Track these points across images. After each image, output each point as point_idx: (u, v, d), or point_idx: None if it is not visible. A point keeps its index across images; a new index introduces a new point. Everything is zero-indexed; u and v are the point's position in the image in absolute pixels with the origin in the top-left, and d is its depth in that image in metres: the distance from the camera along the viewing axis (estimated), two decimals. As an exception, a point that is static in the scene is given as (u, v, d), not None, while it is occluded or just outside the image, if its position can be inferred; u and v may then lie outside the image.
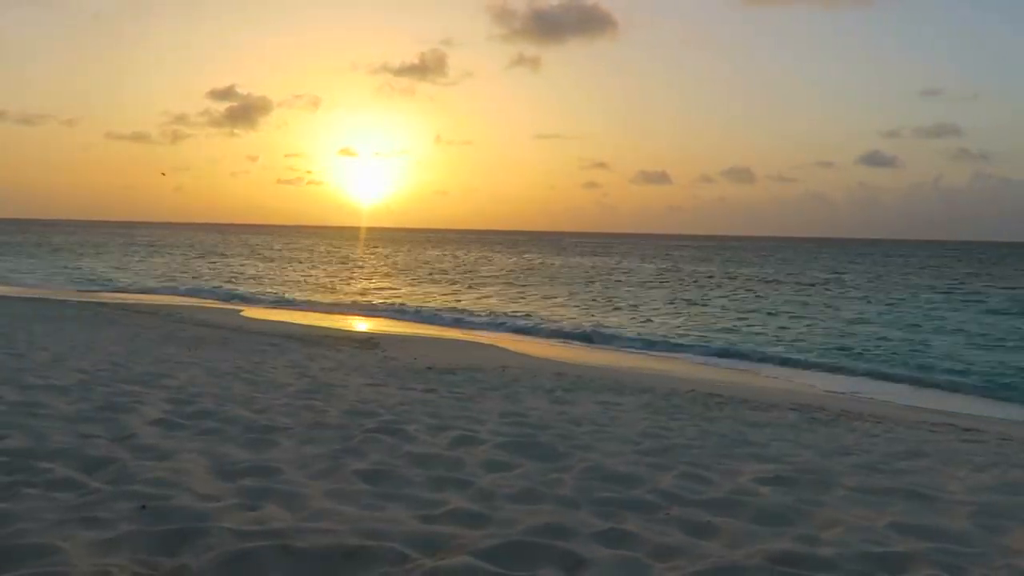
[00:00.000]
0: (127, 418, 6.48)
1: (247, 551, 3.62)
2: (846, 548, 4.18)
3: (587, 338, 23.41)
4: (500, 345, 20.60)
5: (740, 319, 28.68)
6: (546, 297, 37.00)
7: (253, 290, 37.46)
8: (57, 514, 4.02)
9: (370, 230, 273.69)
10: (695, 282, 50.35)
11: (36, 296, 28.00)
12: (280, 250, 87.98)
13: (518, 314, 29.06)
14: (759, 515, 4.77)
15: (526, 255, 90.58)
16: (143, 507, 4.16)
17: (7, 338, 12.67)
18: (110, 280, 41.20)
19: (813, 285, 48.96)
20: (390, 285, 43.48)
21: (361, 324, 25.94)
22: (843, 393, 14.99)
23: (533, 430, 7.29)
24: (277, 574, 3.52)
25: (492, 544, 3.94)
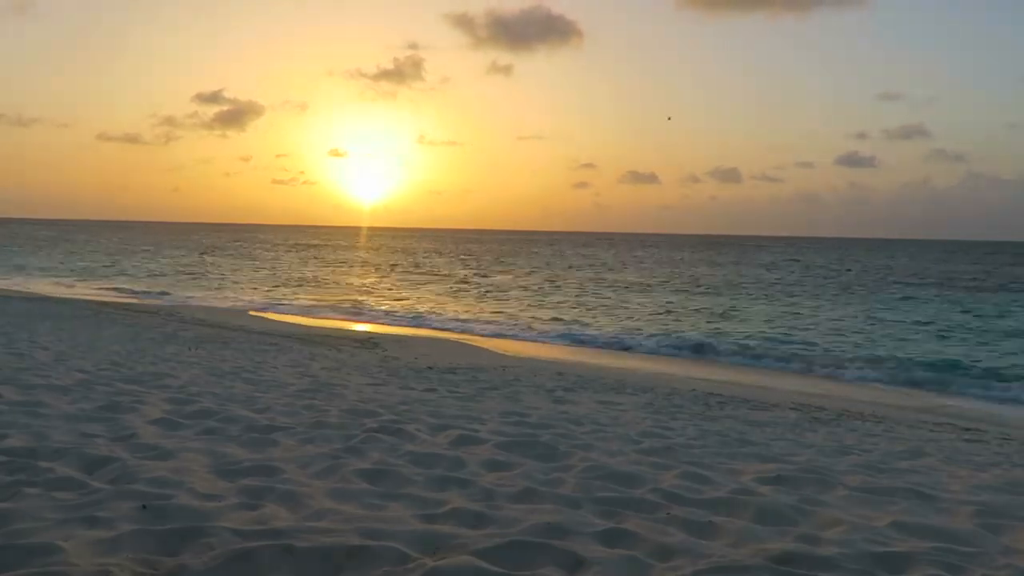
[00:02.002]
0: (128, 417, 6.48)
1: (248, 551, 3.61)
2: (847, 548, 4.17)
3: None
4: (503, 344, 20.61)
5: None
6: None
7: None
8: (58, 513, 4.02)
9: (371, 229, 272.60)
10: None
11: (38, 295, 28.03)
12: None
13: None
14: (760, 515, 4.76)
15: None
16: (144, 507, 4.16)
17: (8, 337, 12.67)
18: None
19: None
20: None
21: (364, 324, 25.92)
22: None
23: (534, 430, 7.29)
24: (278, 574, 3.51)
25: (493, 544, 3.94)
